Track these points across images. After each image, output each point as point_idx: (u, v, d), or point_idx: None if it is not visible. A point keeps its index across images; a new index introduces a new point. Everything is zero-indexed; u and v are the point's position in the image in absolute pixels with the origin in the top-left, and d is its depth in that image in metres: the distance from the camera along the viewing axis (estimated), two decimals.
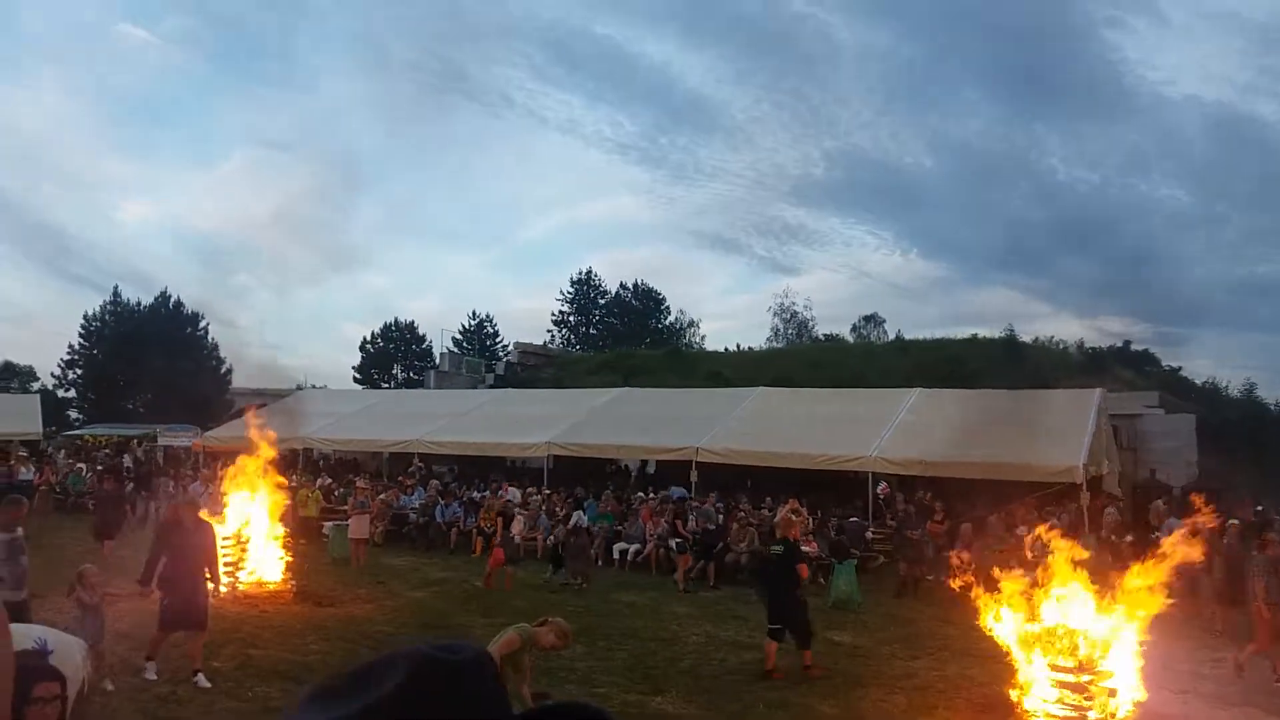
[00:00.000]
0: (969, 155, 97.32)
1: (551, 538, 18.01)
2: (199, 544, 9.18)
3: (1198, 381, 42.63)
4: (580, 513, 18.72)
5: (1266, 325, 79.24)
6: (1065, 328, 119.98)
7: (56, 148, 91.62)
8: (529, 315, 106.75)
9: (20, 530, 8.39)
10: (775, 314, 59.80)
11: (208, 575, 9.27)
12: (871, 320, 60.30)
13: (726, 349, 52.02)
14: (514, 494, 22.25)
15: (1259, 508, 18.83)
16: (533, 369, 42.63)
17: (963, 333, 46.39)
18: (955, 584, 10.08)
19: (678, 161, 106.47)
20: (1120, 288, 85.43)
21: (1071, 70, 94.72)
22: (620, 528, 18.88)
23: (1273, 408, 41.53)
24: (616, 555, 18.16)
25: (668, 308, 65.70)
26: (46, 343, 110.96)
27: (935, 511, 17.44)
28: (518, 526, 19.13)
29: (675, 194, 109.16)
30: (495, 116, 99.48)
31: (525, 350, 45.86)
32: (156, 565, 8.93)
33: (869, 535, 17.94)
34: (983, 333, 44.34)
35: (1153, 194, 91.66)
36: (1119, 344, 45.60)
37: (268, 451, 14.56)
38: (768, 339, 57.94)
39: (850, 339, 56.67)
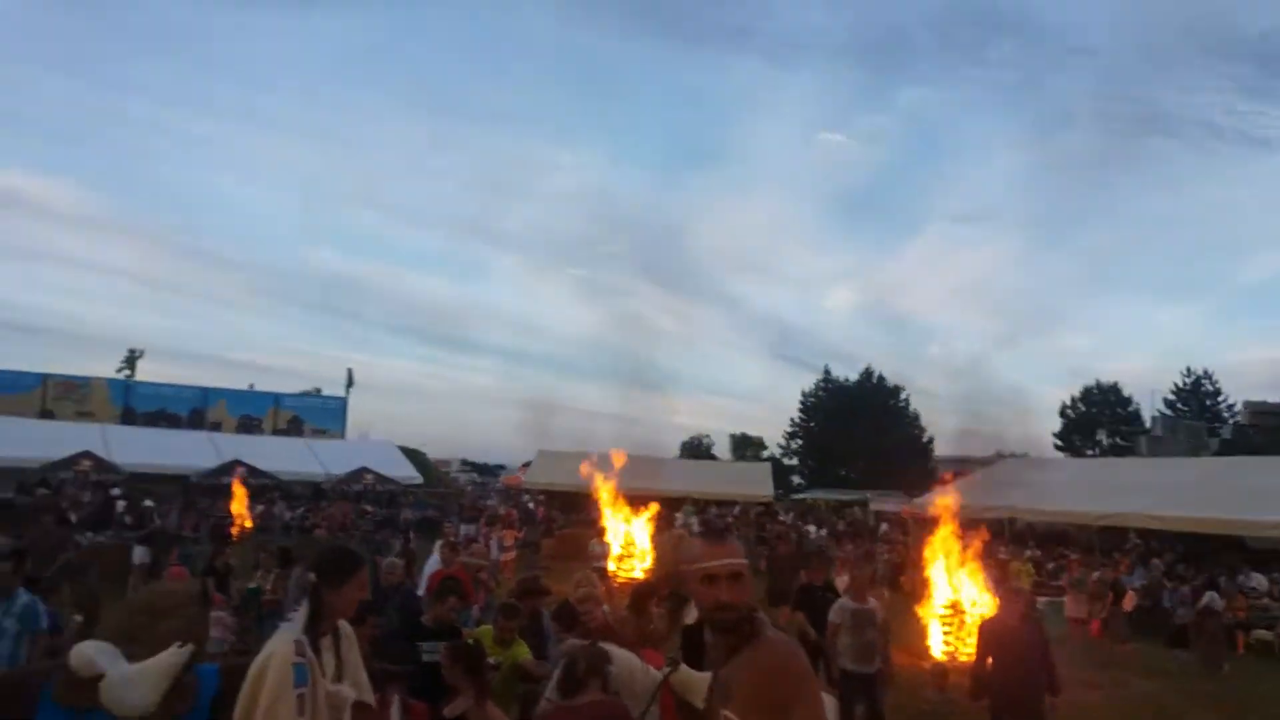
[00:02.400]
0: None
1: None
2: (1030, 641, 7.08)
3: None
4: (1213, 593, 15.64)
5: None
6: None
7: (775, 251, 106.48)
8: (1260, 368, 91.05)
9: (873, 601, 8.12)
10: None
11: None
12: None
13: None
14: (1259, 580, 18.91)
15: None
16: (1269, 431, 36.10)
17: None
18: None
19: None
20: None
21: None
22: None
23: None
24: None
25: None
26: (774, 417, 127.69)
27: None
28: None
29: None
30: (1199, 149, 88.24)
31: (1258, 410, 39.16)
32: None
33: None
34: None
35: None
36: None
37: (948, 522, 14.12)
38: None
39: None
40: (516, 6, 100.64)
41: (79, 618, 9.39)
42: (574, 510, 28.84)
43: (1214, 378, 53.39)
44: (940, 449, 48.57)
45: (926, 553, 14.55)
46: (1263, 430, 36.36)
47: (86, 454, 29.42)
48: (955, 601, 13.41)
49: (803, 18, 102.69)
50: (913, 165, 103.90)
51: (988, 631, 7.29)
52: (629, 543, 18.38)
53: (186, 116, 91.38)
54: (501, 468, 61.06)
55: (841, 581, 14.19)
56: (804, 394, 58.10)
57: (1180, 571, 19.96)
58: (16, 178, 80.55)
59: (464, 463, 68.08)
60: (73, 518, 20.11)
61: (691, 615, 5.49)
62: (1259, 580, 19.09)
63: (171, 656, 2.64)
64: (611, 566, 16.98)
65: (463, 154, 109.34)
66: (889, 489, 34.83)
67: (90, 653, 2.60)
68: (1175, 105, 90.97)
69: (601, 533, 18.13)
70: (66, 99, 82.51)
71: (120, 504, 23.74)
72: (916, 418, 53.94)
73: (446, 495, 38.88)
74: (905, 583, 18.87)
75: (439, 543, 11.39)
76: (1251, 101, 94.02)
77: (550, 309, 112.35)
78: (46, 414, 41.14)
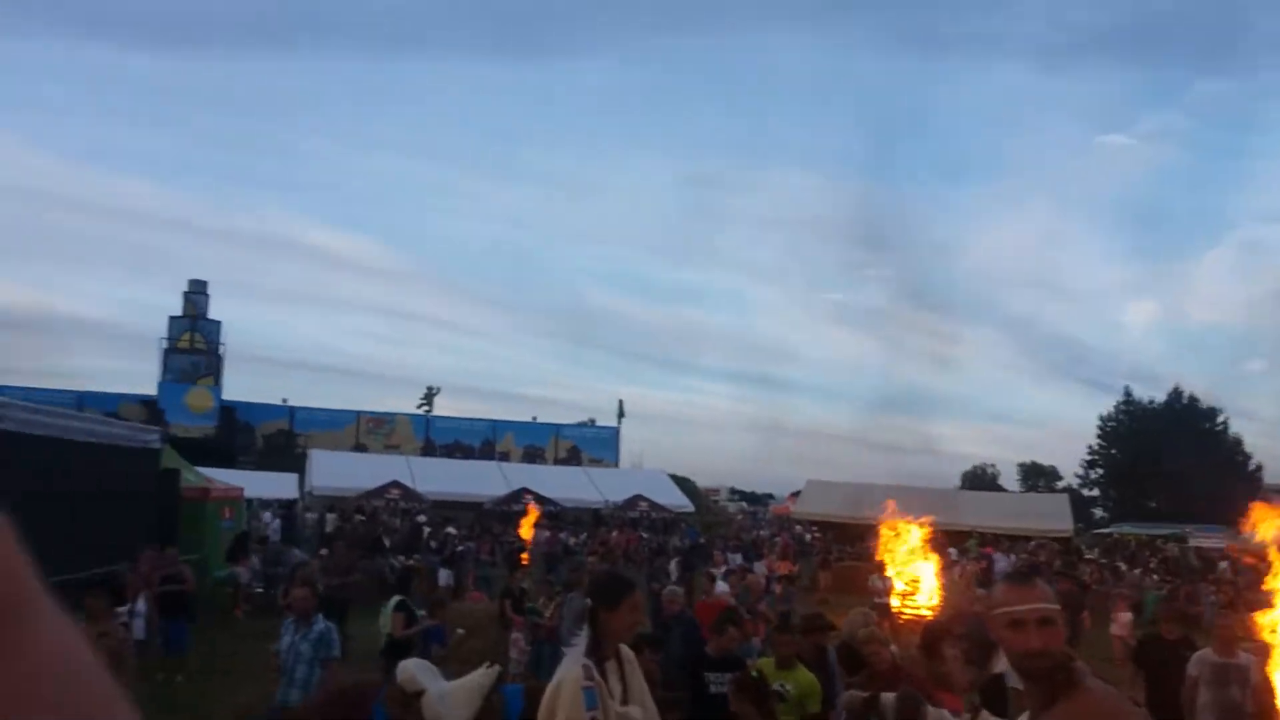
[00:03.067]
0: None
1: None
2: None
3: None
4: None
5: None
6: None
7: (1054, 264, 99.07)
8: None
9: (1244, 655, 6.97)
10: None
11: None
12: None
13: None
14: None
15: None
16: None
17: None
18: None
19: None
20: None
21: None
22: None
23: None
24: None
25: None
26: (1065, 444, 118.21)
27: None
28: None
29: None
30: None
31: None
32: None
33: None
34: None
35: None
36: None
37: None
38: None
39: None
40: (762, 37, 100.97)
41: (461, 631, 10.19)
42: (849, 542, 28.05)
43: None
44: (1271, 476, 42.73)
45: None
46: None
47: (395, 484, 32.53)
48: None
49: (1061, 17, 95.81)
50: (1207, 164, 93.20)
51: None
52: (914, 579, 17.53)
53: (467, 176, 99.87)
54: (770, 497, 60.79)
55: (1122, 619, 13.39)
56: (1102, 418, 53.32)
57: None
58: (329, 237, 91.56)
59: (732, 491, 68.47)
60: (387, 543, 22.20)
61: (1000, 664, 5.12)
62: None
63: (482, 676, 2.77)
64: (895, 603, 16.25)
65: (716, 189, 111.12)
66: (1207, 522, 30.99)
67: (413, 669, 2.78)
68: None
69: (882, 567, 17.43)
70: (367, 168, 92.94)
71: (425, 530, 25.93)
72: (1238, 443, 47.89)
73: (715, 524, 39.20)
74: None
75: (722, 569, 11.42)
76: None
77: (814, 337, 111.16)
78: (359, 447, 46.08)
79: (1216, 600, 18.94)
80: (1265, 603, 12.94)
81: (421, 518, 28.83)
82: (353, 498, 31.34)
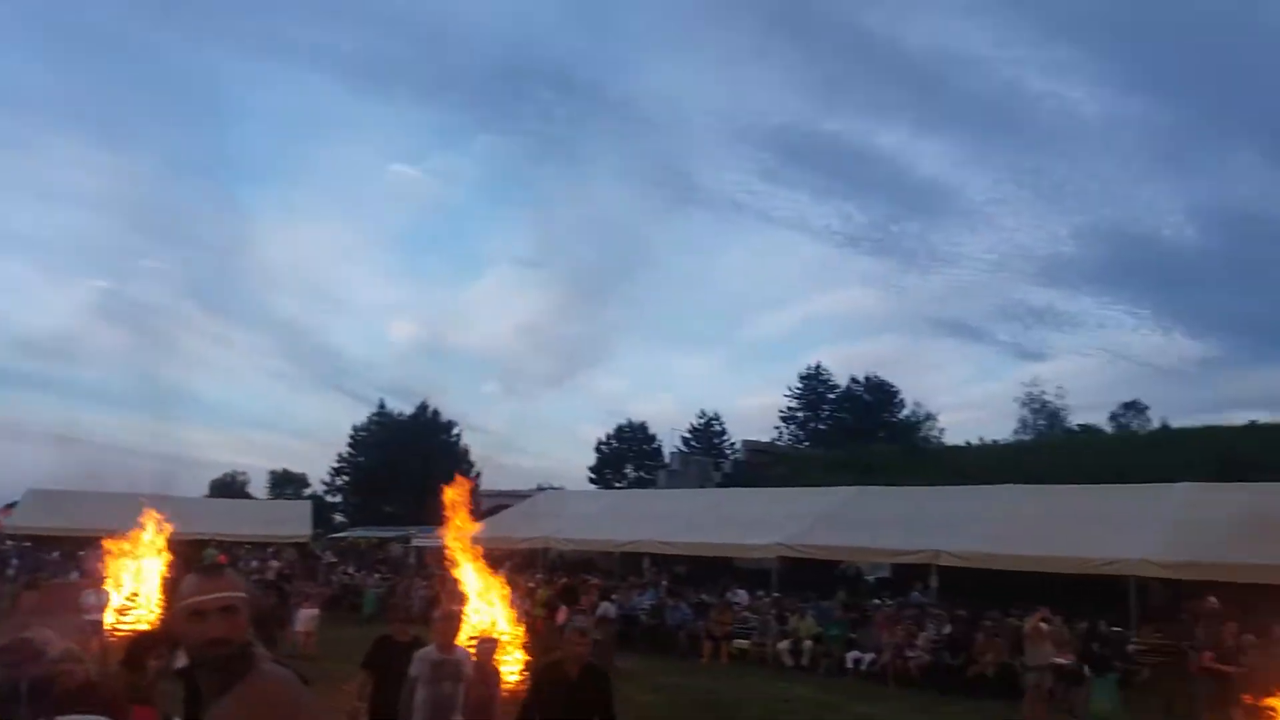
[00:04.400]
0: (1240, 222, 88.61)
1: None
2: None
3: None
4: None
5: None
6: None
7: (334, 277, 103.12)
8: (759, 413, 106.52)
9: (460, 651, 7.15)
10: (1023, 404, 56.12)
11: None
12: (1132, 408, 55.45)
13: (969, 443, 49.50)
14: (742, 596, 21.98)
15: None
16: (761, 467, 42.45)
17: (1239, 419, 41.76)
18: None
19: (910, 249, 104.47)
20: None
21: None
22: (854, 635, 18.17)
23: None
24: (851, 664, 17.43)
25: (901, 400, 63.61)
26: (321, 452, 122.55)
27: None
28: None
29: (909, 283, 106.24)
30: (726, 221, 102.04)
31: (753, 448, 45.85)
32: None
33: (1131, 647, 16.17)
34: (1264, 418, 39.72)
35: None
36: None
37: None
38: (1015, 431, 54.35)
39: (1108, 429, 52.36)
40: None
41: None
42: (72, 556, 25.10)
43: (721, 419, 61.89)
44: (489, 484, 50.02)
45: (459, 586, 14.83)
46: (755, 466, 42.46)
47: None
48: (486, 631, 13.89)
49: (383, 48, 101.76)
50: (482, 206, 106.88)
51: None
52: (134, 593, 16.37)
53: None
54: None
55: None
56: (355, 428, 56.68)
57: (680, 590, 22.51)
58: None
59: None
60: None
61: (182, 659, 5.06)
62: (742, 596, 22.17)
63: None
64: (110, 619, 15.00)
65: None
66: (433, 524, 34.88)
67: None
68: (709, 180, 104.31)
69: (100, 581, 15.98)
70: None
71: None
72: (467, 452, 55.10)
73: None
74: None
75: None
76: (767, 183, 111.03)
77: (63, 322, 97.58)
78: None
79: (427, 594, 21.46)
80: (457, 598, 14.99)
81: None
82: None
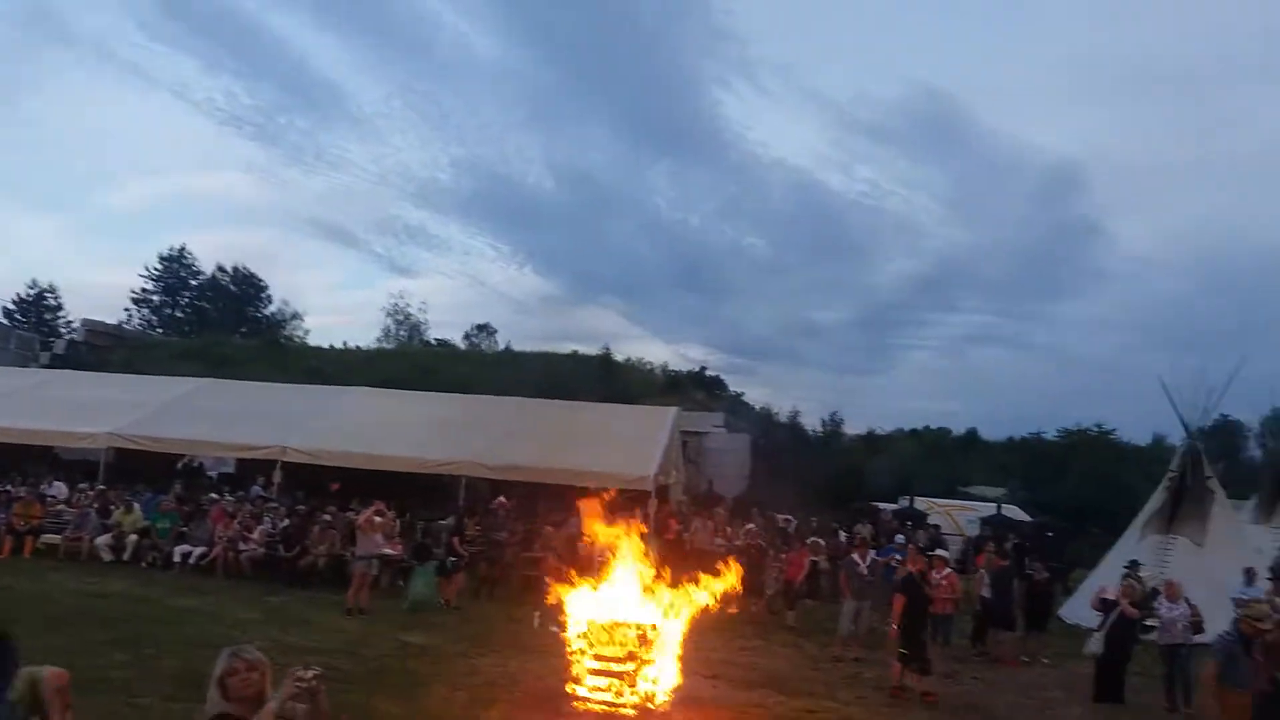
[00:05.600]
0: (587, 184, 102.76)
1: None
2: None
3: (756, 406, 48.45)
4: None
5: (813, 363, 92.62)
6: (655, 350, 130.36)
7: None
8: (107, 291, 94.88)
9: None
10: (389, 314, 58.20)
11: None
12: (484, 330, 61.15)
13: (331, 345, 49.86)
14: (60, 489, 19.59)
15: (788, 518, 21.78)
16: (102, 350, 37.80)
17: (565, 348, 48.57)
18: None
19: (297, 144, 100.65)
20: (703, 319, 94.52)
21: (684, 120, 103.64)
22: (185, 529, 17.38)
23: (811, 433, 48.53)
24: (179, 558, 16.66)
25: (269, 296, 61.56)
26: None
27: (523, 514, 18.04)
28: None
29: (291, 178, 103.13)
30: (92, 68, 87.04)
31: (94, 329, 40.59)
32: None
33: (456, 539, 18.08)
34: (583, 349, 46.77)
35: (739, 240, 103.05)
36: (696, 369, 50.44)
37: None
38: (378, 339, 56.23)
39: (462, 346, 56.97)
40: None
41: None
42: None
43: (57, 292, 53.65)
44: None
45: None
46: (95, 348, 37.57)
47: None
48: None
49: None
50: None
51: None
52: None
53: None
54: None
55: None
56: None
57: None
58: None
59: None
60: None
61: None
62: (60, 488, 19.67)
63: None
64: None
65: None
66: None
67: None
68: (78, 18, 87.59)
69: None
70: None
71: None
72: None
73: None
74: None
75: None
76: (146, 37, 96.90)
77: None
78: None
79: None
80: None
81: None
82: None
